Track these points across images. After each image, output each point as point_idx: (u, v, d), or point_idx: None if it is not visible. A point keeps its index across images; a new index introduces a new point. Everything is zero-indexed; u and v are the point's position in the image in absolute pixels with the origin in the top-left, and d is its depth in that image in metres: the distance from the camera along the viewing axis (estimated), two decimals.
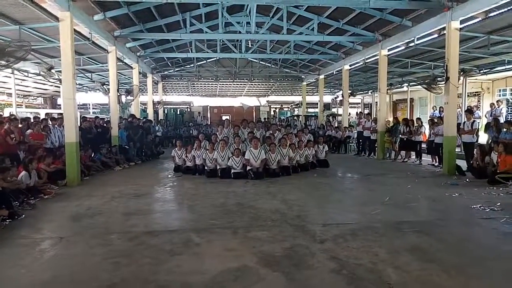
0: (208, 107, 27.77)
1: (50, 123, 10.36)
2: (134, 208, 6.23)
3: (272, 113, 30.98)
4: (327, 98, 26.47)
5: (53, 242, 4.56)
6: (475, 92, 19.95)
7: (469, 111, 10.70)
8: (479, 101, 19.90)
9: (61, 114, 10.97)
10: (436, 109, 18.30)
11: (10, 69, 13.73)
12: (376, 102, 20.10)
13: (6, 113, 15.84)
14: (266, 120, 23.31)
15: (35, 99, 28.06)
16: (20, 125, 9.47)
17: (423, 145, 12.22)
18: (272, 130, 11.10)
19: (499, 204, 6.17)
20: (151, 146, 13.95)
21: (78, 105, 10.33)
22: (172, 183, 8.82)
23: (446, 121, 9.83)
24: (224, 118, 18.27)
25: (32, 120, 10.43)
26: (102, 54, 13.46)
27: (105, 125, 12.49)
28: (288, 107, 33.41)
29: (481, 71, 16.03)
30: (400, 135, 12.43)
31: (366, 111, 24.08)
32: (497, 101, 15.36)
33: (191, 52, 17.46)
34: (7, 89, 20.54)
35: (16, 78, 15.86)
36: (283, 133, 11.18)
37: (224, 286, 3.35)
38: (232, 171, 9.15)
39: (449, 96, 9.60)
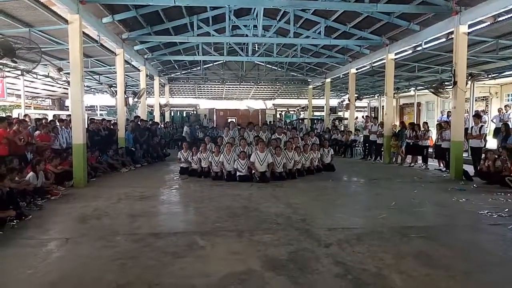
0: (214, 109, 27.83)
1: (58, 124, 10.46)
2: (140, 210, 6.26)
3: (278, 116, 30.97)
4: (333, 102, 26.48)
5: (59, 243, 4.59)
6: (483, 97, 19.78)
7: (477, 116, 10.61)
8: (487, 105, 19.73)
9: (69, 115, 11.08)
10: (444, 114, 18.15)
11: (20, 71, 13.90)
12: (383, 106, 20.02)
13: (15, 114, 16.02)
14: (272, 123, 23.30)
15: (43, 100, 28.36)
16: (33, 125, 9.59)
17: (430, 150, 12.14)
18: (278, 133, 11.10)
19: (506, 210, 6.11)
20: (158, 148, 14.01)
21: (85, 107, 10.41)
22: (178, 185, 8.85)
23: (454, 126, 9.76)
24: (230, 120, 18.30)
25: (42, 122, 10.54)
26: (110, 57, 13.57)
27: (112, 127, 12.58)
28: (294, 111, 33.38)
29: (489, 76, 15.90)
30: (406, 140, 12.36)
31: (373, 115, 23.98)
32: (505, 106, 15.23)
33: (198, 55, 17.52)
34: (16, 90, 20.78)
35: (25, 80, 16.06)
36: (288, 136, 11.17)
37: None
38: (238, 173, 9.16)
39: (456, 100, 9.53)
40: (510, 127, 9.97)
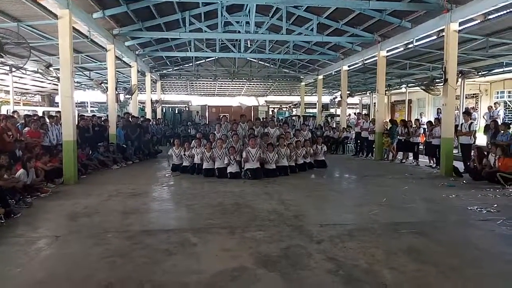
0: (207, 106, 27.71)
1: (48, 121, 10.32)
2: (131, 207, 6.21)
3: (270, 113, 30.97)
4: (326, 99, 26.52)
5: (49, 241, 4.54)
6: (473, 94, 20.02)
7: (467, 113, 10.73)
8: (477, 103, 19.97)
9: (59, 112, 10.94)
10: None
11: (8, 67, 13.68)
12: (374, 103, 20.13)
13: (3, 111, 15.79)
14: (264, 119, 23.26)
15: (33, 96, 27.98)
16: (22, 122, 9.44)
17: (421, 146, 12.25)
18: (270, 126, 11.08)
19: (495, 205, 6.20)
20: (149, 145, 13.92)
21: (76, 103, 10.28)
22: (169, 182, 8.80)
23: (444, 123, 9.85)
24: (221, 115, 18.21)
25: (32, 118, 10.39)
26: (101, 52, 13.43)
27: (102, 123, 12.46)
28: (286, 107, 33.41)
29: (479, 73, 16.09)
30: (398, 136, 12.45)
31: (364, 112, 24.10)
32: (495, 103, 15.45)
33: (190, 51, 17.42)
34: (5, 86, 20.47)
35: (14, 76, 15.80)
36: (281, 131, 11.13)
37: (221, 286, 3.35)
38: (229, 170, 9.14)
39: (447, 97, 9.62)
40: (499, 124, 10.11)
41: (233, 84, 27.65)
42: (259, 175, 8.96)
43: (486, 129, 11.88)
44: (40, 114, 15.04)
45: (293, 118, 23.92)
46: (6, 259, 3.99)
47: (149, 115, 19.04)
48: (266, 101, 33.52)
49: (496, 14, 9.05)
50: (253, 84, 28.38)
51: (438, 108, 16.54)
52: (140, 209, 6.10)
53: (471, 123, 10.14)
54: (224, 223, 5.27)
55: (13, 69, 13.25)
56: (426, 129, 11.63)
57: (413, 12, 10.47)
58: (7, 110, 14.85)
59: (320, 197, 7.26)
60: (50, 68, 11.38)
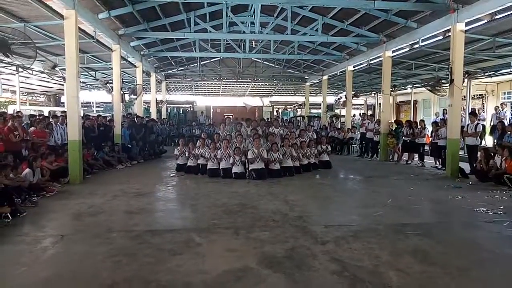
0: (211, 106, 27.75)
1: (52, 120, 10.38)
2: (136, 206, 6.23)
3: (275, 113, 30.96)
4: (330, 99, 26.47)
5: (54, 240, 4.56)
6: (480, 95, 19.86)
7: (473, 114, 10.65)
8: (483, 103, 19.81)
9: (65, 112, 11.00)
10: (439, 115, 18.23)
11: (15, 67, 13.80)
12: (380, 104, 20.05)
13: (10, 111, 15.91)
14: (269, 120, 23.27)
15: (39, 96, 28.17)
16: (27, 122, 9.49)
17: (426, 147, 12.17)
18: (275, 126, 11.06)
19: (502, 207, 6.14)
20: (154, 145, 13.96)
21: (81, 103, 10.33)
22: (174, 182, 8.82)
23: (450, 124, 9.79)
24: (226, 116, 18.23)
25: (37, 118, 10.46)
26: (106, 53, 13.49)
27: (108, 123, 12.51)
28: (291, 108, 33.39)
29: (486, 74, 15.96)
30: (403, 137, 12.39)
31: (370, 113, 24.02)
32: (501, 104, 15.32)
33: (195, 51, 17.42)
34: (12, 86, 20.63)
35: (20, 76, 15.92)
36: (285, 131, 11.12)
37: (225, 287, 3.35)
38: (233, 170, 9.14)
39: (453, 98, 9.55)
40: (506, 125, 10.03)
41: (237, 84, 27.64)
42: (263, 176, 8.96)
43: (493, 130, 11.79)
44: (46, 114, 15.15)
45: (298, 118, 23.89)
46: (11, 257, 4.02)
47: (154, 115, 19.09)
48: (270, 101, 33.51)
49: (503, 14, 8.98)
50: (258, 85, 28.35)
51: (444, 109, 16.43)
52: (145, 209, 6.12)
53: (477, 124, 10.06)
54: (229, 224, 5.27)
55: (20, 69, 13.36)
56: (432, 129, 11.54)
57: (419, 12, 10.41)
58: (13, 110, 14.98)
59: (324, 198, 7.23)
60: (56, 68, 11.41)
